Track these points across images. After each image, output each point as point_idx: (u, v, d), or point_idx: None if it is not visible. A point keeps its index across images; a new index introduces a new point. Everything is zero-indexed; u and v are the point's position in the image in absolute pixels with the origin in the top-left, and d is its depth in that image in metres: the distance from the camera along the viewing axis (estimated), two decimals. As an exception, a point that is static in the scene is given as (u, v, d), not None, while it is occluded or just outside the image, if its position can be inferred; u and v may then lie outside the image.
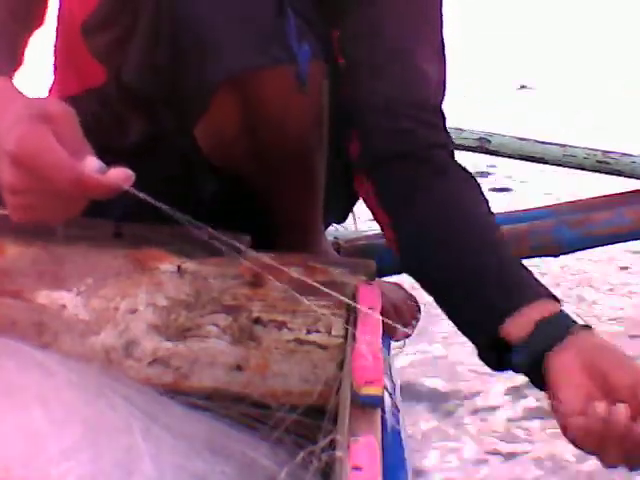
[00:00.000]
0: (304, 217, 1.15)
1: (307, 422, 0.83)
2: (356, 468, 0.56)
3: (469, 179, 1.01)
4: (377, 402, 0.67)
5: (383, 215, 1.01)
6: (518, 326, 0.87)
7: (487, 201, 1.00)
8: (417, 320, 1.27)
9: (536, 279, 0.92)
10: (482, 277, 0.92)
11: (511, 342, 0.87)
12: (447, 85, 1.06)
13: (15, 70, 0.94)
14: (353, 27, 1.03)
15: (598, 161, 1.77)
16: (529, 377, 0.88)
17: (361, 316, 0.81)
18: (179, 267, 0.92)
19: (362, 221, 1.42)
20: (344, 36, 1.04)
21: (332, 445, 0.64)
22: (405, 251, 1.01)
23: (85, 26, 1.05)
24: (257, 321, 0.91)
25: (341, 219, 1.32)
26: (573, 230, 1.53)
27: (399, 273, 1.42)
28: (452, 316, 0.95)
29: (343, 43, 1.04)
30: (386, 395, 0.91)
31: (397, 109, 1.01)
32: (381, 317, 0.81)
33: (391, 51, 1.02)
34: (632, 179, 1.78)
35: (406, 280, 1.39)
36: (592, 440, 0.78)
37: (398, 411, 0.94)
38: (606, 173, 1.80)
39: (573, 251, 1.59)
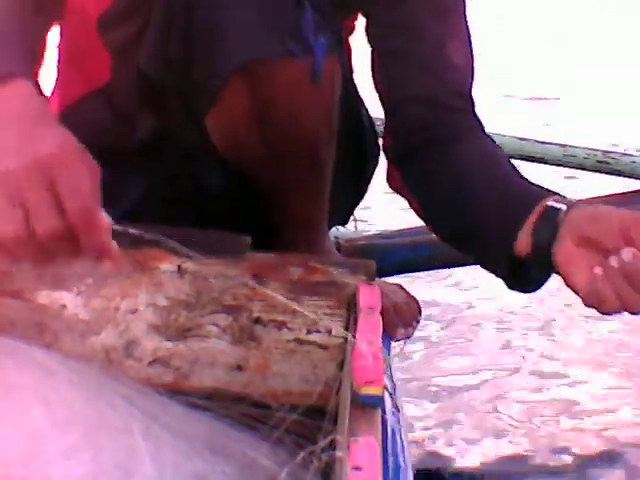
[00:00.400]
0: (309, 215, 1.15)
1: (307, 422, 0.83)
2: (356, 468, 0.56)
3: (484, 139, 1.04)
4: (377, 402, 0.67)
5: (412, 199, 1.05)
6: (522, 240, 0.89)
7: (500, 154, 1.03)
8: (418, 321, 1.27)
9: (532, 183, 0.95)
10: (489, 212, 0.95)
11: (524, 254, 0.90)
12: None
13: (37, 69, 0.93)
14: (386, 17, 1.04)
15: (598, 161, 1.77)
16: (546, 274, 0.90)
17: (361, 316, 0.81)
18: (179, 267, 0.92)
19: (362, 221, 1.42)
20: (375, 25, 1.05)
21: (332, 445, 0.64)
22: (432, 221, 1.06)
23: (101, 21, 1.05)
24: (257, 321, 0.91)
25: (343, 221, 1.32)
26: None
27: (399, 273, 1.43)
28: (481, 258, 0.99)
29: (374, 31, 1.05)
30: (386, 395, 0.91)
31: (436, 102, 1.03)
32: (381, 317, 0.81)
33: (428, 43, 1.04)
34: (632, 179, 1.78)
35: (406, 280, 1.40)
36: (608, 300, 0.80)
37: (398, 411, 0.94)
38: (606, 173, 1.80)
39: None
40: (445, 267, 1.56)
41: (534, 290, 0.96)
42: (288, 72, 0.99)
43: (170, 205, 1.09)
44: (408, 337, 1.23)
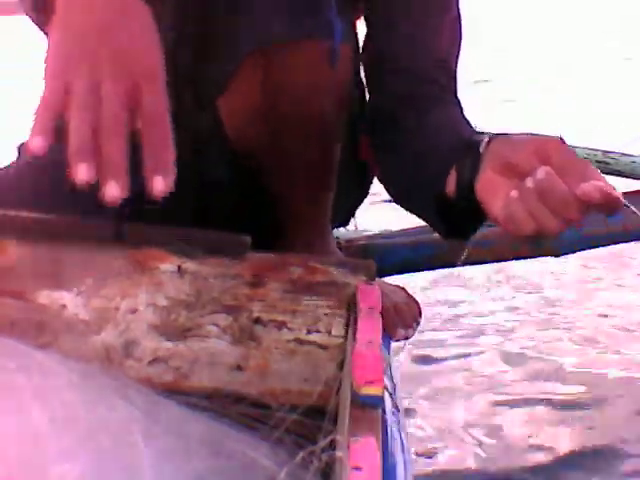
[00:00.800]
0: (313, 211, 1.14)
1: (307, 422, 0.83)
2: (356, 468, 0.56)
3: (451, 108, 1.03)
4: (377, 402, 0.67)
5: (376, 167, 1.08)
6: (450, 180, 0.88)
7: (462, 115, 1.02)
8: (418, 322, 1.27)
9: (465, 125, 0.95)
10: (430, 157, 0.94)
11: (450, 198, 0.88)
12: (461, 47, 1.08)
13: None
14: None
15: (598, 161, 1.77)
16: (477, 220, 0.88)
17: (361, 316, 0.81)
18: (179, 267, 0.92)
19: (362, 221, 1.42)
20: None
21: (332, 445, 0.64)
22: (388, 185, 1.07)
23: None
24: (257, 321, 0.91)
25: (345, 221, 1.32)
26: (573, 230, 1.53)
27: (399, 273, 1.43)
28: (418, 209, 0.99)
29: (367, 7, 1.06)
30: (386, 395, 0.91)
31: (414, 73, 1.03)
32: (381, 317, 0.81)
33: (415, 14, 1.04)
34: (632, 179, 1.78)
35: (406, 281, 1.40)
36: (524, 222, 0.77)
37: (398, 411, 0.94)
38: (606, 173, 1.80)
39: (573, 251, 1.59)
40: (446, 267, 1.56)
41: (468, 236, 0.93)
42: (307, 54, 0.98)
43: (173, 202, 1.09)
44: (408, 338, 1.23)
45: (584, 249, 1.61)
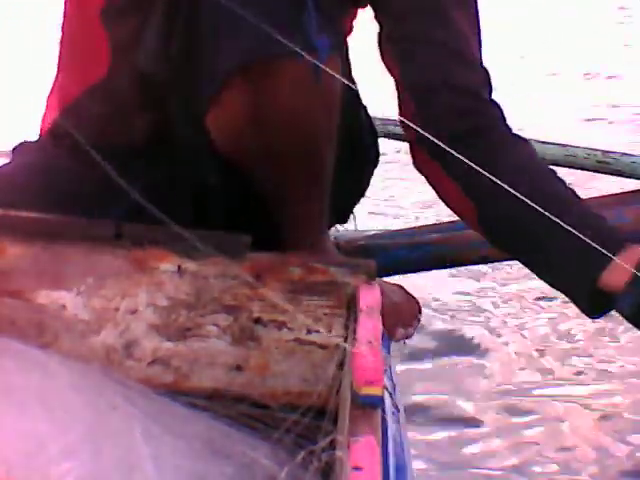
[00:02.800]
0: (309, 215, 1.14)
1: (307, 422, 0.83)
2: (356, 468, 0.56)
3: (520, 143, 1.05)
4: (377, 402, 0.66)
5: (455, 187, 1.04)
6: (616, 274, 0.91)
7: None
8: (418, 321, 1.27)
9: (612, 226, 0.98)
10: (568, 233, 0.93)
11: (612, 289, 0.91)
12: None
13: None
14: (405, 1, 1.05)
15: (598, 161, 1.77)
16: (633, 321, 0.92)
17: (361, 316, 0.81)
18: (179, 267, 0.92)
19: (362, 221, 1.42)
20: (391, 9, 1.06)
21: (332, 445, 0.64)
22: (490, 228, 1.06)
23: (105, 11, 1.05)
24: (257, 321, 0.91)
25: (343, 220, 1.32)
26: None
27: (399, 273, 1.43)
28: (546, 276, 1.00)
29: (390, 15, 1.06)
30: (386, 395, 0.91)
31: (472, 91, 1.04)
32: (381, 317, 0.81)
33: (454, 31, 1.04)
34: (632, 179, 1.77)
35: (406, 280, 1.40)
36: None
37: (398, 411, 0.94)
38: (606, 173, 1.80)
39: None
40: (446, 267, 1.56)
41: (601, 316, 0.98)
42: (290, 72, 0.99)
43: (170, 205, 1.09)
44: (408, 337, 1.23)
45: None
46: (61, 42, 1.15)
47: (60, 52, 1.16)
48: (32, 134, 1.17)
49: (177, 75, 1.00)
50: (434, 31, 1.03)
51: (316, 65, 0.97)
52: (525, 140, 1.06)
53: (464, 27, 1.04)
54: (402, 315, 1.25)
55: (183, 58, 0.98)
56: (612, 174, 1.79)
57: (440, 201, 1.11)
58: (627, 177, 1.78)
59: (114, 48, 1.05)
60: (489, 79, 1.06)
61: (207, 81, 0.98)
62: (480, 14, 1.07)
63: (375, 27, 1.11)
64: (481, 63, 1.06)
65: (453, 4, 1.04)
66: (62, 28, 1.13)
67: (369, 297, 0.86)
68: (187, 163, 1.08)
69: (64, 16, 1.12)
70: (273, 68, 0.98)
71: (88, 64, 1.10)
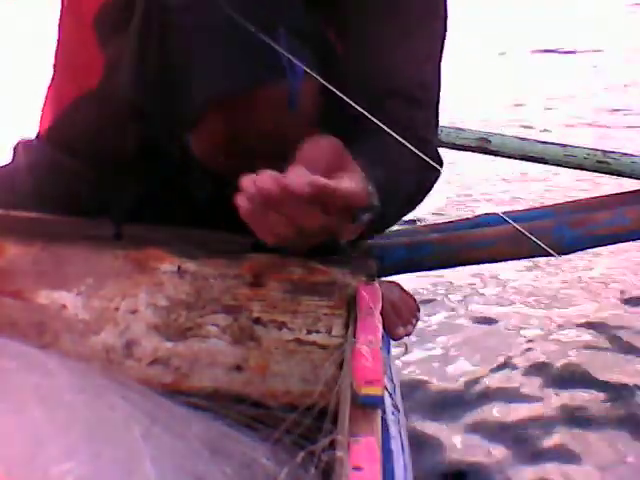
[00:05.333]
0: None
1: (307, 422, 0.83)
2: (356, 468, 0.56)
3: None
4: (377, 402, 0.67)
5: None
6: None
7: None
8: (417, 319, 1.27)
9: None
10: None
11: None
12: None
13: None
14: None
15: (598, 161, 1.77)
16: None
17: (361, 316, 0.81)
18: (179, 267, 0.92)
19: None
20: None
21: (332, 445, 0.64)
22: None
23: (97, 20, 1.05)
24: (257, 321, 0.91)
25: None
26: (573, 230, 1.53)
27: (399, 273, 1.42)
28: None
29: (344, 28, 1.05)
30: (386, 395, 0.91)
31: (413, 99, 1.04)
32: (381, 317, 0.81)
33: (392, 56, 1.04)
34: (632, 179, 1.77)
35: (406, 280, 1.40)
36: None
37: (398, 411, 0.94)
38: (606, 173, 1.80)
39: (573, 251, 1.59)
40: (446, 267, 1.56)
41: None
42: (262, 101, 0.98)
43: (168, 207, 1.09)
44: (408, 335, 1.23)
45: (586, 248, 1.61)
46: (57, 45, 1.15)
47: (56, 55, 1.16)
48: (32, 134, 1.17)
49: (155, 102, 1.00)
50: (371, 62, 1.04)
51: (289, 93, 0.97)
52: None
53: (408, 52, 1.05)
54: (401, 314, 1.25)
55: (159, 87, 0.98)
56: (612, 174, 1.79)
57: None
58: (627, 177, 1.78)
59: (106, 60, 1.06)
60: (432, 101, 1.07)
61: (182, 113, 0.99)
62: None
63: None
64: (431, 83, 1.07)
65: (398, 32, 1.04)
66: (58, 31, 1.14)
67: (369, 297, 0.86)
68: (178, 172, 1.08)
69: (60, 20, 1.13)
70: (244, 100, 0.98)
71: (82, 71, 1.10)
